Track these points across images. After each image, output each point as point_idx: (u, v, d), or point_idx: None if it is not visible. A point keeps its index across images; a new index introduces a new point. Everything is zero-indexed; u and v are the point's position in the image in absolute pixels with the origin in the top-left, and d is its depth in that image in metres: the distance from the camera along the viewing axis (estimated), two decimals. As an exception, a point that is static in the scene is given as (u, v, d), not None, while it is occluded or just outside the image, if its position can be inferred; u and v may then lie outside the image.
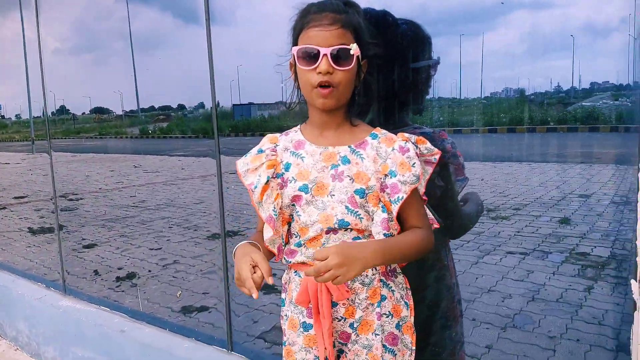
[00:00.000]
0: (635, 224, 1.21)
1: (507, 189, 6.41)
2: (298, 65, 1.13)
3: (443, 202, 1.38)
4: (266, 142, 1.25)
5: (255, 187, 1.18)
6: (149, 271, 3.92)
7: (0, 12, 4.37)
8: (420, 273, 1.41)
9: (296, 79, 1.18)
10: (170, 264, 4.06)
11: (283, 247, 1.24)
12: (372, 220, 1.16)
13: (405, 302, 1.21)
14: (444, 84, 1.53)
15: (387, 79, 1.37)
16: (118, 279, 3.73)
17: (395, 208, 1.13)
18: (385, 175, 1.14)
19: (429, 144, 1.18)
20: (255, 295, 1.05)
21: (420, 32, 1.38)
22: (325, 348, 1.12)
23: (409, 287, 1.24)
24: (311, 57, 1.10)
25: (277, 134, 1.27)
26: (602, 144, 8.97)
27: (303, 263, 1.18)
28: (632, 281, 1.22)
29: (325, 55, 1.08)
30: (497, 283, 3.34)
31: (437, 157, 1.19)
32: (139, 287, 3.42)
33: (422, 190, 1.20)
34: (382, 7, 1.39)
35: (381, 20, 1.36)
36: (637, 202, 1.16)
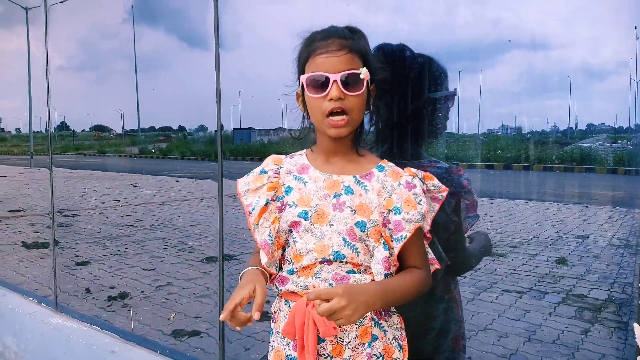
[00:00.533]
0: (636, 267, 1.20)
1: (503, 226, 6.40)
2: (307, 94, 1.11)
3: (454, 237, 1.38)
4: (270, 162, 1.23)
5: (253, 209, 1.15)
6: (142, 292, 3.87)
7: (5, 26, 4.43)
8: (429, 304, 1.40)
9: (304, 109, 1.17)
10: (163, 286, 4.01)
11: (276, 273, 1.20)
12: (372, 255, 1.13)
13: (399, 344, 1.16)
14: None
15: (403, 111, 1.39)
16: (110, 298, 3.68)
17: (397, 246, 1.09)
18: (390, 210, 1.11)
19: (436, 181, 1.16)
20: (223, 316, 1.02)
21: (437, 66, 1.40)
22: None
23: (403, 327, 1.20)
24: (321, 84, 1.08)
25: (282, 156, 1.24)
26: (599, 185, 9.02)
27: (293, 292, 1.15)
28: (635, 325, 1.21)
29: (335, 81, 1.06)
30: (493, 321, 3.30)
31: (445, 194, 1.17)
32: (131, 308, 3.37)
33: (427, 227, 1.18)
34: (384, 41, 1.42)
35: (398, 53, 1.39)
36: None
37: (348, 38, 1.10)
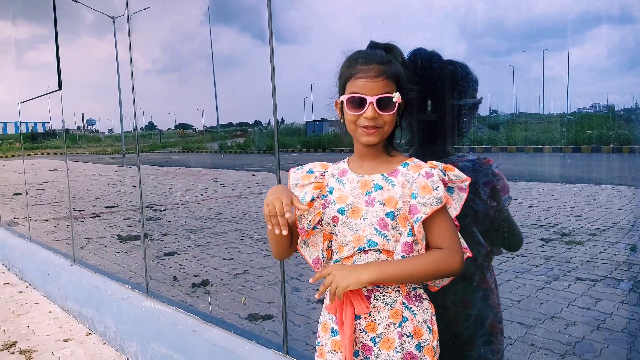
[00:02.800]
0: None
1: (584, 212, 6.12)
2: (346, 110, 1.27)
3: (498, 220, 1.49)
4: (318, 166, 1.43)
5: (302, 202, 1.35)
6: (221, 279, 4.17)
7: (96, 34, 4.89)
8: (467, 293, 1.51)
9: (342, 116, 1.34)
10: (240, 274, 4.30)
11: (322, 261, 1.39)
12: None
13: (428, 327, 1.31)
14: (525, 100, 1.59)
15: (432, 113, 1.50)
16: (194, 285, 4.01)
17: (415, 227, 1.23)
18: (410, 197, 1.27)
19: (457, 171, 1.29)
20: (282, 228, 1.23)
21: (466, 73, 1.50)
22: (346, 356, 1.25)
23: (434, 312, 1.34)
24: (359, 103, 1.25)
25: (329, 163, 1.44)
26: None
27: None
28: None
29: (371, 103, 1.23)
30: (562, 310, 3.26)
31: (467, 183, 1.30)
32: (212, 294, 3.67)
33: (454, 213, 1.30)
34: (460, 24, 1.52)
35: (429, 60, 1.50)
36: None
37: (386, 63, 1.26)
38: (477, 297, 1.55)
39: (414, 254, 1.26)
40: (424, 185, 1.25)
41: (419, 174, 1.27)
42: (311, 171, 1.42)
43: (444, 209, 1.26)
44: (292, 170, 1.44)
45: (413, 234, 1.25)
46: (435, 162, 1.30)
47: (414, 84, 1.33)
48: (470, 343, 1.54)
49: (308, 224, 1.37)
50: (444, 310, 1.48)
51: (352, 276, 1.20)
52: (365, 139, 1.28)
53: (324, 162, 1.45)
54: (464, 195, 1.31)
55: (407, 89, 1.31)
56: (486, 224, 1.49)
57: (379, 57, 1.28)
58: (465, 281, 1.45)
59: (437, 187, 1.24)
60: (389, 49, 1.32)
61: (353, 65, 1.29)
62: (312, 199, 1.36)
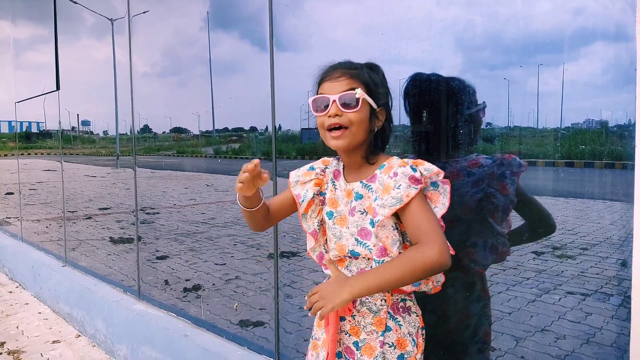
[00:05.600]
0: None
1: (576, 226, 6.16)
2: (313, 113, 1.28)
3: (524, 211, 1.47)
4: (319, 162, 1.43)
5: (302, 201, 1.36)
6: (213, 284, 4.16)
7: (96, 36, 4.90)
8: (469, 303, 1.53)
9: None
10: (232, 279, 4.29)
11: (325, 254, 1.41)
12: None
13: (413, 339, 1.30)
14: (520, 113, 1.58)
15: (440, 124, 1.53)
16: (185, 289, 4.00)
17: (372, 230, 1.24)
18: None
19: (427, 165, 1.24)
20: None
21: (464, 86, 1.53)
22: (329, 352, 1.28)
23: (422, 326, 1.33)
24: (323, 104, 1.25)
25: (331, 158, 1.43)
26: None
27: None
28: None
29: (334, 101, 1.23)
30: (552, 323, 3.27)
31: (442, 175, 1.25)
32: (203, 298, 3.66)
33: (443, 210, 1.24)
34: (458, 37, 1.55)
35: (429, 79, 1.54)
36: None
37: (352, 68, 1.26)
38: (478, 307, 1.56)
39: (386, 258, 1.24)
40: (386, 186, 1.21)
41: (388, 176, 1.23)
42: (312, 168, 1.42)
43: (412, 204, 1.18)
44: (291, 172, 1.45)
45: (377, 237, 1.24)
46: (406, 160, 1.25)
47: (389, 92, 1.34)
48: (465, 352, 1.55)
49: (318, 225, 1.37)
50: (445, 319, 1.49)
51: (336, 297, 1.16)
52: (333, 143, 1.27)
53: (325, 158, 1.44)
54: (448, 188, 1.27)
55: (379, 95, 1.29)
56: (504, 218, 1.49)
57: (346, 64, 1.29)
58: (469, 292, 1.46)
59: (399, 185, 1.19)
60: (369, 66, 1.32)
61: (321, 74, 1.31)
62: (313, 196, 1.36)
